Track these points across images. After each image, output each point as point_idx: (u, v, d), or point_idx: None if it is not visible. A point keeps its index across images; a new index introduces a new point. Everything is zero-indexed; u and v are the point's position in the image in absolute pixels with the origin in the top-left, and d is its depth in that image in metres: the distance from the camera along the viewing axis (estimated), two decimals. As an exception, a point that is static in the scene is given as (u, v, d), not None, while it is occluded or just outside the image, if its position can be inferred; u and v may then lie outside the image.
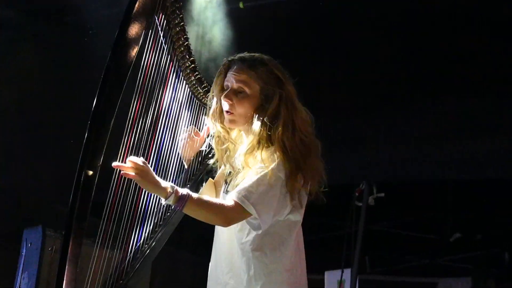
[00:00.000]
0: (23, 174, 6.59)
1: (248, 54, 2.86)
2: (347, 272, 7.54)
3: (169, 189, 2.54)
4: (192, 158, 2.99)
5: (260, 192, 2.61)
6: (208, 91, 2.99)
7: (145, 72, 2.53)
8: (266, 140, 2.72)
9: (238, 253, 2.73)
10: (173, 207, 2.63)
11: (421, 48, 6.12)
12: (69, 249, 2.27)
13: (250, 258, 2.70)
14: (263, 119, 2.72)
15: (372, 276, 9.40)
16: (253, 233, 2.70)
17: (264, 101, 2.76)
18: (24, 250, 4.78)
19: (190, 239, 3.18)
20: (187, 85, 2.91)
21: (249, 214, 2.61)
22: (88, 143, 2.30)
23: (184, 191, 2.57)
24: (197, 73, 2.92)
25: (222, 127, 2.86)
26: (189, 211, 2.59)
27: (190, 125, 2.95)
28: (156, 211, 2.80)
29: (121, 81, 2.37)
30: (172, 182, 2.78)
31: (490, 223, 8.74)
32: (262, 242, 2.70)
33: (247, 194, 2.60)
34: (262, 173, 2.63)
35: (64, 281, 2.26)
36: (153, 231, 2.77)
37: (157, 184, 2.54)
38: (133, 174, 2.48)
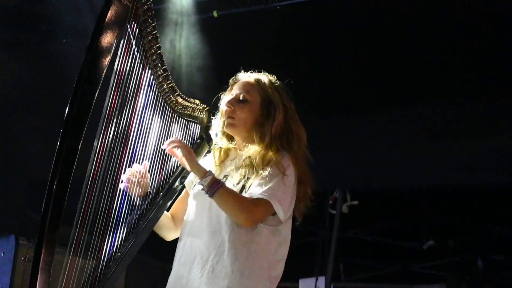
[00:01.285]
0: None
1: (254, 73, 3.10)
2: (321, 280, 7.57)
3: (207, 171, 2.73)
4: (142, 194, 2.95)
5: (282, 191, 2.76)
6: (181, 98, 3.05)
7: (117, 81, 2.53)
8: (274, 147, 2.89)
9: (229, 243, 2.76)
10: (205, 191, 2.72)
11: (401, 53, 6.15)
12: (42, 257, 2.26)
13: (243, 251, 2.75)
14: (271, 128, 2.91)
15: (346, 284, 9.44)
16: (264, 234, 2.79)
17: (266, 112, 2.95)
18: (-3, 260, 4.74)
19: (163, 247, 3.19)
20: (159, 93, 2.92)
21: (271, 212, 2.75)
22: (61, 150, 2.30)
23: (219, 179, 2.75)
24: (169, 81, 2.93)
25: (223, 135, 3.05)
26: (218, 198, 2.71)
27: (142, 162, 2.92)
28: (129, 219, 2.80)
29: (94, 90, 2.37)
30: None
31: (463, 229, 8.81)
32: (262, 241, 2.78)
33: (273, 192, 2.74)
34: (279, 175, 2.79)
35: (37, 289, 2.25)
36: (125, 239, 2.76)
37: (198, 165, 2.77)
38: (180, 153, 2.75)
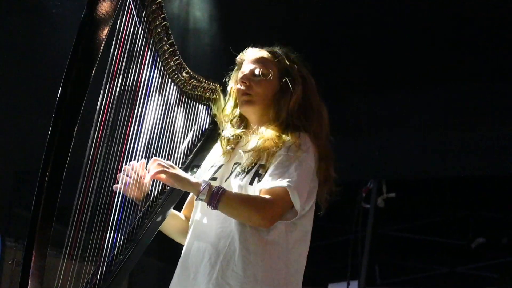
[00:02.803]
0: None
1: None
2: (354, 285, 7.59)
3: (202, 184, 2.71)
4: (143, 196, 2.95)
5: (300, 178, 2.76)
6: (190, 77, 3.07)
7: (117, 57, 2.55)
8: (292, 126, 2.92)
9: (238, 249, 2.77)
10: (207, 205, 2.74)
11: (433, 31, 6.12)
12: (32, 261, 2.28)
13: (254, 258, 2.76)
14: (288, 104, 2.94)
15: (383, 288, 9.45)
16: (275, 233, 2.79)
17: (284, 86, 2.98)
18: (-19, 264, 4.79)
19: (169, 247, 3.22)
20: (165, 72, 2.94)
21: (291, 204, 2.75)
22: (53, 137, 2.31)
23: (218, 186, 2.73)
24: (177, 57, 2.95)
25: (232, 119, 3.08)
26: (225, 208, 2.72)
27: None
28: (132, 217, 2.82)
29: (90, 67, 2.38)
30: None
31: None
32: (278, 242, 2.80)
33: (290, 179, 2.74)
34: (296, 160, 2.80)
35: (27, 297, 2.27)
36: (129, 240, 2.78)
37: (189, 180, 2.75)
38: (164, 176, 2.73)
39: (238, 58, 3.12)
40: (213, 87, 3.18)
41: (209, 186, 2.71)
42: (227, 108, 3.12)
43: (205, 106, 3.22)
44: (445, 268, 9.75)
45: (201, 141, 3.16)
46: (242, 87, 3.00)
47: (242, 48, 3.15)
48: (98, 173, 2.55)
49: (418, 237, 9.21)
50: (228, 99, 3.13)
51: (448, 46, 6.19)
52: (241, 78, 3.01)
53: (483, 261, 9.32)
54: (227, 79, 3.16)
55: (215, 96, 3.19)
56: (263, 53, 3.06)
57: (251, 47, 3.13)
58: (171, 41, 2.89)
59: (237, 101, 3.06)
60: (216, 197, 2.69)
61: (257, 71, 3.00)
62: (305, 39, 5.85)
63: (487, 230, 8.74)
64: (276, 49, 3.07)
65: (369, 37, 6.12)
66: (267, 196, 2.74)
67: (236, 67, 3.13)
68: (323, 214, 2.99)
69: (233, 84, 3.09)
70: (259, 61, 3.03)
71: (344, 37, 6.16)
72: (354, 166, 6.59)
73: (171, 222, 3.07)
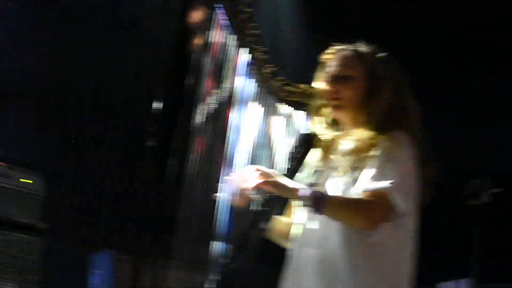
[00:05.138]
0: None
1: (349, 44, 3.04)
2: (465, 285, 7.46)
3: (305, 190, 2.69)
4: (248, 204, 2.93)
5: (400, 178, 2.72)
6: (286, 84, 3.10)
7: (211, 67, 2.58)
8: (386, 127, 2.85)
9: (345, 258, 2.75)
10: (312, 210, 2.70)
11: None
12: (143, 273, 2.34)
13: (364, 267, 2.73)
14: (379, 106, 2.87)
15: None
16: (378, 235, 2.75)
17: (373, 87, 2.90)
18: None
19: (276, 252, 3.23)
20: (260, 80, 2.97)
21: (393, 206, 2.70)
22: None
23: (320, 191, 2.72)
24: (270, 65, 2.98)
25: (324, 122, 3.04)
26: (330, 212, 2.69)
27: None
28: (240, 226, 2.86)
29: (184, 77, 2.42)
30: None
31: None
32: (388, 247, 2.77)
33: (390, 181, 2.70)
34: (394, 159, 2.75)
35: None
36: (239, 248, 2.82)
37: (291, 187, 2.74)
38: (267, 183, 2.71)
39: (322, 57, 3.05)
40: (309, 92, 3.14)
41: (312, 191, 2.69)
42: (318, 110, 3.07)
43: (302, 112, 3.21)
44: None
45: (300, 147, 3.16)
46: (330, 91, 2.95)
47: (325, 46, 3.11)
48: (201, 184, 2.59)
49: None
50: (317, 100, 3.06)
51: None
52: (329, 82, 2.96)
53: None
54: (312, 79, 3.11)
55: (311, 101, 3.17)
56: (348, 52, 2.99)
57: (334, 45, 3.06)
58: (264, 48, 2.92)
59: (327, 102, 3.02)
60: (320, 202, 2.67)
61: (343, 73, 2.94)
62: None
63: None
64: (361, 48, 3.00)
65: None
66: (370, 199, 2.71)
67: (321, 66, 3.06)
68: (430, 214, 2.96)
69: (319, 85, 3.04)
70: (345, 62, 2.96)
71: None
72: (458, 159, 6.48)
73: (276, 227, 3.08)
